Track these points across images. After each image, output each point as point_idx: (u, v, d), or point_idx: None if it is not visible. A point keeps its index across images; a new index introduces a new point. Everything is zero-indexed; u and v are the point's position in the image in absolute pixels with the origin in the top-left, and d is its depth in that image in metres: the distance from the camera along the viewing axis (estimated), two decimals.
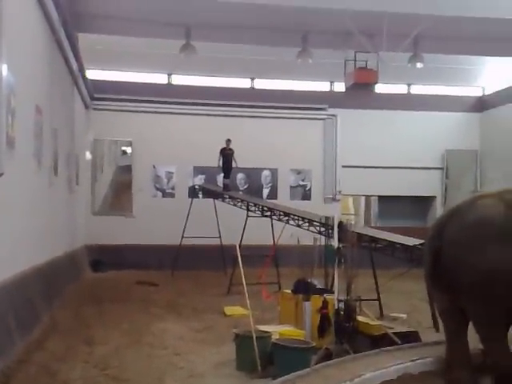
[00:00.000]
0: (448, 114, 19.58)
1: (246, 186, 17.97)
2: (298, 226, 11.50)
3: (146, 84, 18.42)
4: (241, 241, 12.88)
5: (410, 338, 7.17)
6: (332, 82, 19.32)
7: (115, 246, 16.36)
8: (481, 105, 19.99)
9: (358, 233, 8.49)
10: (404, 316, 9.74)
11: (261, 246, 12.75)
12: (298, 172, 18.81)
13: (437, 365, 6.05)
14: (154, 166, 18.18)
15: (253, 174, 18.36)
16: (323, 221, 7.86)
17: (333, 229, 7.86)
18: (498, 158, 18.46)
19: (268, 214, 12.87)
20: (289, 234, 11.30)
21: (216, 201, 15.74)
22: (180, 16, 12.99)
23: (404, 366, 5.95)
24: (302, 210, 12.41)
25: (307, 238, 14.61)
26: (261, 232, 12.94)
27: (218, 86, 18.70)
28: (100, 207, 18.08)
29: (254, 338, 6.49)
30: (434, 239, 5.95)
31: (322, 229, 10.02)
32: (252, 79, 19.08)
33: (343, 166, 18.56)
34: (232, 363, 6.79)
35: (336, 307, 7.18)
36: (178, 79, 18.83)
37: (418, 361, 6.10)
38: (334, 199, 18.20)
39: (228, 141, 15.30)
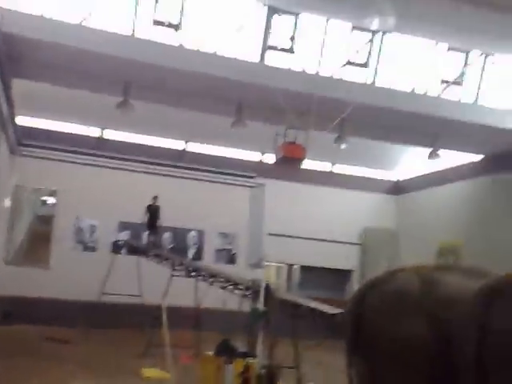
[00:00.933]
0: (367, 194, 20.90)
1: (171, 246, 17.90)
2: (223, 288, 11.59)
3: (78, 135, 18.34)
4: (164, 301, 12.78)
5: None
6: (263, 153, 20.17)
7: (28, 298, 15.54)
8: (397, 188, 21.53)
9: (283, 298, 8.74)
10: None
11: (184, 308, 12.68)
12: (225, 236, 19.09)
13: None
14: (78, 218, 17.78)
15: (179, 234, 18.40)
16: (251, 284, 8.06)
17: (259, 292, 8.07)
18: (413, 237, 19.73)
19: (194, 274, 12.85)
20: (213, 297, 11.44)
21: (139, 258, 15.52)
22: (120, 73, 13.21)
23: None
24: (227, 273, 12.55)
25: (232, 302, 14.83)
26: (185, 293, 12.90)
27: (150, 144, 18.94)
28: (15, 256, 17.24)
29: None
30: (356, 307, 6.36)
31: (248, 292, 10.19)
32: (186, 142, 19.52)
33: (269, 234, 19.04)
34: None
35: (259, 372, 7.29)
36: (111, 134, 18.91)
37: None
38: (258, 265, 18.47)
39: (155, 197, 15.37)
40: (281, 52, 14.27)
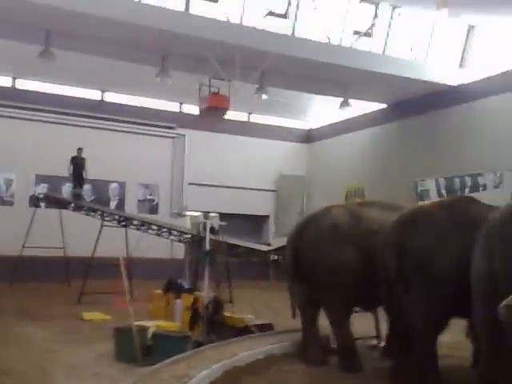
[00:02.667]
0: (282, 143, 21.83)
1: (92, 198, 17.77)
2: (158, 235, 11.99)
3: None
4: (94, 252, 12.97)
5: (266, 328, 8.27)
6: (181, 104, 20.28)
7: None
8: (309, 137, 22.65)
9: (220, 241, 9.32)
10: (252, 317, 10.82)
11: (114, 258, 12.89)
12: (146, 186, 19.24)
13: (294, 347, 7.23)
14: None
15: (100, 186, 18.27)
16: (200, 227, 8.53)
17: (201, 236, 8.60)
18: (323, 182, 21.08)
19: (125, 223, 13.07)
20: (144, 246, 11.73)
21: (62, 211, 15.37)
22: (41, 21, 12.70)
23: (269, 348, 7.02)
24: (162, 221, 12.92)
25: (162, 251, 15.26)
26: (113, 243, 13.06)
27: (66, 94, 18.39)
28: None
29: (135, 330, 6.94)
30: (294, 241, 7.18)
31: (187, 237, 10.69)
32: (102, 92, 19.13)
33: (190, 184, 19.47)
34: (110, 357, 7.12)
35: (206, 303, 7.95)
36: (24, 84, 18.08)
37: (280, 344, 7.24)
38: (180, 214, 18.92)
39: (79, 149, 15.10)
40: (205, 1, 14.36)
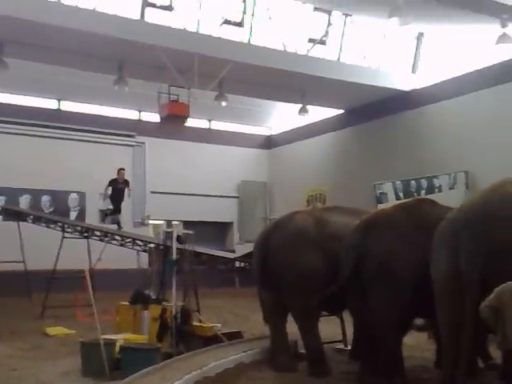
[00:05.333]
0: (243, 149, 21.96)
1: (51, 209, 17.41)
2: (122, 245, 11.88)
3: None
4: (55, 265, 12.73)
5: (235, 336, 8.35)
6: (140, 111, 20.15)
7: None
8: (269, 142, 22.88)
9: (186, 249, 9.34)
10: (220, 325, 10.86)
11: (76, 270, 12.70)
12: (108, 196, 18.94)
13: (263, 354, 7.33)
14: None
15: (59, 197, 17.92)
16: (165, 235, 8.53)
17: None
18: (284, 187, 21.32)
19: (87, 234, 12.88)
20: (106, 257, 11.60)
21: (20, 224, 14.96)
22: None
23: (239, 356, 7.11)
24: (126, 231, 12.80)
25: (127, 261, 15.06)
26: (75, 255, 12.86)
27: (22, 104, 17.99)
28: None
29: (102, 343, 6.88)
30: (261, 247, 7.31)
31: (151, 246, 10.65)
32: (59, 100, 18.81)
33: (152, 192, 19.33)
34: (77, 372, 7.03)
35: (174, 313, 7.95)
36: None
37: (249, 352, 7.34)
38: (142, 223, 18.75)
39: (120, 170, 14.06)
40: (160, 9, 14.36)
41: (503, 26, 12.26)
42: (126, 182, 13.53)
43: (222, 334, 8.18)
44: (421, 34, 16.77)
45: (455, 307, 5.14)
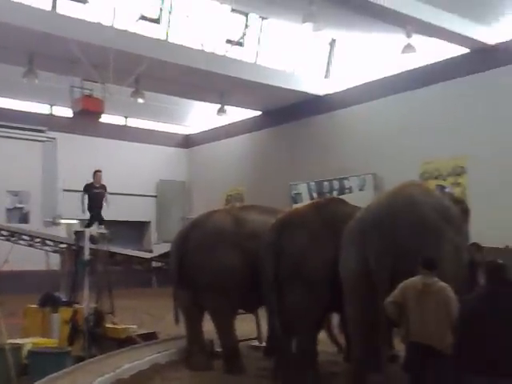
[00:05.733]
0: (161, 148, 21.70)
1: None
2: (30, 245, 11.32)
3: None
4: None
5: (150, 337, 8.25)
6: (51, 105, 19.31)
7: None
8: (188, 142, 22.76)
9: (99, 249, 9.10)
10: (135, 327, 10.67)
11: None
12: (15, 194, 18.01)
13: (179, 354, 7.30)
14: None
15: None
16: (75, 236, 8.18)
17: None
18: (203, 187, 21.31)
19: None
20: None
21: None
22: None
23: (154, 357, 7.04)
24: (36, 231, 12.19)
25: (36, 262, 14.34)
26: None
27: None
28: None
29: (7, 348, 6.55)
30: (180, 246, 7.27)
31: (63, 246, 10.25)
32: None
33: (64, 190, 18.56)
34: None
35: (86, 315, 7.73)
36: None
37: (164, 352, 7.27)
38: (54, 223, 17.97)
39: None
40: (73, 1, 13.86)
41: (408, 36, 12.94)
42: (104, 187, 11.24)
43: (137, 335, 8.05)
44: (333, 41, 17.35)
45: (364, 304, 5.39)
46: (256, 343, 8.26)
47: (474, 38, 13.41)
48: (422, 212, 5.49)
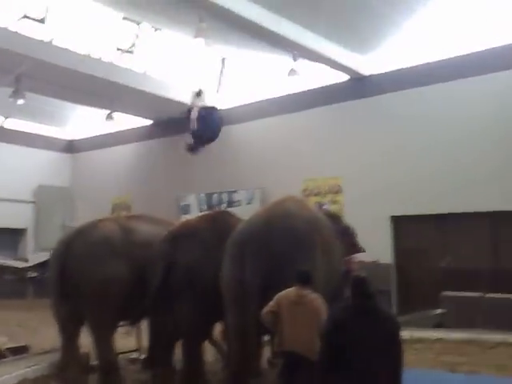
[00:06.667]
0: (41, 152, 20.63)
1: None
2: None
3: None
4: None
5: (20, 351, 7.84)
6: None
7: None
8: (72, 147, 21.88)
9: None
10: (5, 339, 10.02)
11: None
12: None
13: (50, 369, 7.03)
14: None
15: None
16: None
17: None
18: (88, 194, 20.56)
19: None
20: None
21: None
22: None
23: (23, 372, 6.71)
24: None
25: None
26: None
27: None
28: None
29: None
30: (61, 255, 7.00)
31: None
32: None
33: None
34: None
35: None
36: None
37: (34, 367, 6.96)
38: None
39: None
40: None
41: (294, 60, 13.56)
42: None
43: (7, 348, 7.62)
44: (224, 58, 17.67)
45: (240, 312, 5.60)
46: (135, 356, 8.16)
47: (351, 67, 14.41)
48: (295, 224, 5.84)
